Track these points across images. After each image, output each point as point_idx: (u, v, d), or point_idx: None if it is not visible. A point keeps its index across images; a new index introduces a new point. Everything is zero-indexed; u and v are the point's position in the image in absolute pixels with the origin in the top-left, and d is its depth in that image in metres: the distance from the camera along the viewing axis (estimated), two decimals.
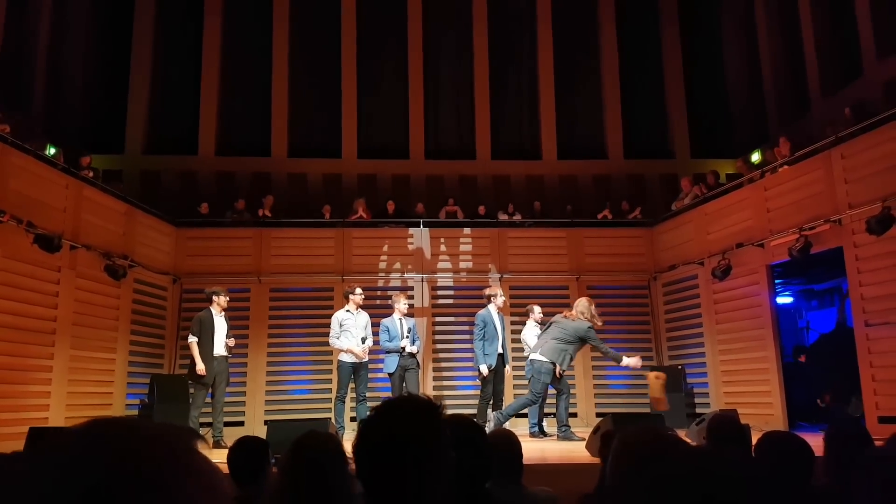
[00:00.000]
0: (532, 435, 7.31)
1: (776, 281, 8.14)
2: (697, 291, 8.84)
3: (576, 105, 12.16)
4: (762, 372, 7.69)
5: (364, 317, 7.46)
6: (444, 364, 9.18)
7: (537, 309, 7.84)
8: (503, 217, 10.33)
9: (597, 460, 4.04)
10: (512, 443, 2.35)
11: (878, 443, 2.31)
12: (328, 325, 7.46)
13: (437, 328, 9.30)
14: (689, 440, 4.43)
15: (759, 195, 7.96)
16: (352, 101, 11.74)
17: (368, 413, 1.26)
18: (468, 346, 7.81)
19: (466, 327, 8.59)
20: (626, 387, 9.21)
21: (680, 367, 8.64)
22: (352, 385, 7.31)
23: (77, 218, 7.27)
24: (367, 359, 7.34)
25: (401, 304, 7.44)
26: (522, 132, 12.17)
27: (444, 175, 11.61)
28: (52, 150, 8.10)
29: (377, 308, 8.57)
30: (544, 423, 7.50)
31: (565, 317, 6.82)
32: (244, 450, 2.60)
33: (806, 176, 7.32)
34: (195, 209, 10.04)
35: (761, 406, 7.61)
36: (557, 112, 11.93)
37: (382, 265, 9.50)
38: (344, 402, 7.32)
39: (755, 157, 10.23)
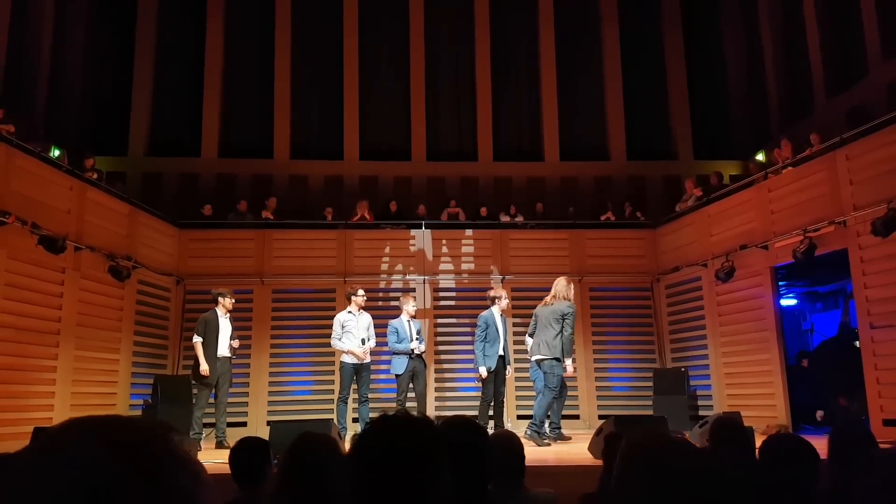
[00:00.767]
0: (552, 440, 6.82)
1: (780, 283, 8.11)
2: (701, 293, 8.81)
3: (578, 106, 12.14)
4: (766, 374, 7.66)
5: (366, 318, 7.46)
6: (445, 365, 9.17)
7: None
8: (505, 219, 10.32)
9: (598, 462, 4.03)
10: (513, 444, 2.34)
11: (883, 445, 2.30)
12: (330, 327, 7.46)
13: (439, 329, 9.30)
14: (692, 442, 4.40)
15: (762, 197, 7.93)
16: (353, 103, 11.75)
17: (366, 424, 1.25)
18: (470, 347, 7.78)
19: (468, 329, 8.58)
20: (629, 389, 9.20)
21: (683, 370, 8.61)
22: (354, 386, 7.32)
23: (81, 219, 7.29)
24: (368, 360, 7.35)
25: (409, 306, 7.43)
26: (524, 134, 12.17)
27: (446, 177, 11.61)
28: (57, 152, 8.13)
29: (379, 309, 8.58)
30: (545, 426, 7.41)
31: (545, 304, 6.74)
32: (246, 450, 2.61)
33: (810, 177, 7.29)
34: (197, 211, 10.06)
35: (765, 409, 7.59)
36: (559, 113, 11.92)
37: (384, 267, 9.50)
38: (346, 403, 7.34)
39: (759, 156, 10.22)
